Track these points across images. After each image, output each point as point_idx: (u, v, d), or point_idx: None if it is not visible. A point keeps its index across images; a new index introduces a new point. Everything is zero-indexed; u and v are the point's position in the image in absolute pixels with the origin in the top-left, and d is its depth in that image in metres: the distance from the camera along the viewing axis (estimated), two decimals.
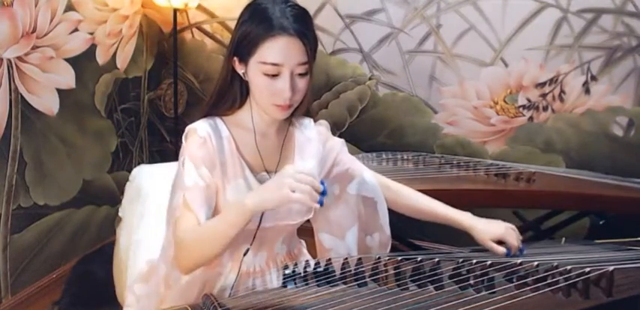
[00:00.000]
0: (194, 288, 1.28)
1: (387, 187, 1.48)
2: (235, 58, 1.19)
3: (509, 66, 2.49)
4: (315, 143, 1.35)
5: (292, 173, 1.05)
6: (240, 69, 1.20)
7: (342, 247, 1.43)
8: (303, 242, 1.50)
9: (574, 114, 2.46)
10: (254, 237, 1.26)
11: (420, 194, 1.48)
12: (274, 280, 1.32)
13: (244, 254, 1.28)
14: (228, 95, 1.24)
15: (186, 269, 1.19)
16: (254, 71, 1.16)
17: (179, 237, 1.15)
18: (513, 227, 1.40)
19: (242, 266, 1.28)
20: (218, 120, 1.25)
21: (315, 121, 1.37)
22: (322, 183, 1.07)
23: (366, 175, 1.45)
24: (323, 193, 1.05)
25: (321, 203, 1.05)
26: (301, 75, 1.17)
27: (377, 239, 1.49)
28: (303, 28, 1.15)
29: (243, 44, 1.16)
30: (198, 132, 1.21)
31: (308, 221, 1.42)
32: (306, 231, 1.50)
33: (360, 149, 2.74)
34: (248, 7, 1.19)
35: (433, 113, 2.65)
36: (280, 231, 1.32)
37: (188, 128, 1.23)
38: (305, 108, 1.28)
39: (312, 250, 1.50)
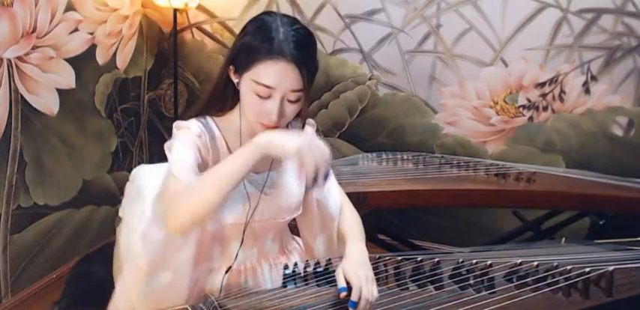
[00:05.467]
0: (182, 285, 1.27)
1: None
2: (232, 67, 1.19)
3: (509, 66, 2.49)
4: None
5: (309, 142, 1.06)
6: (234, 78, 1.20)
7: (315, 250, 1.42)
8: (298, 239, 1.51)
9: (574, 114, 2.46)
10: (242, 236, 1.27)
11: (350, 222, 1.39)
12: (266, 276, 1.33)
13: (236, 257, 1.29)
14: (219, 98, 1.25)
15: (181, 224, 1.13)
16: (246, 87, 1.16)
17: (175, 188, 1.12)
18: (367, 279, 1.16)
19: (233, 263, 1.29)
20: (209, 119, 1.26)
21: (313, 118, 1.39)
22: None
23: (331, 187, 1.40)
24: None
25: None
26: (292, 101, 1.16)
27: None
28: (303, 55, 1.13)
29: (241, 57, 1.16)
30: (192, 129, 1.21)
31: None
32: None
33: (360, 149, 2.74)
34: (255, 19, 1.19)
35: (433, 113, 2.65)
36: (269, 228, 1.33)
37: (181, 123, 1.22)
38: (304, 120, 1.29)
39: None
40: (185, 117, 1.26)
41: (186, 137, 1.20)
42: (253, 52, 1.13)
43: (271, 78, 1.12)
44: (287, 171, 1.33)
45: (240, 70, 1.17)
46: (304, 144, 1.05)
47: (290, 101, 1.15)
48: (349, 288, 1.09)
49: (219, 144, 1.24)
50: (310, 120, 1.41)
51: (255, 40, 1.14)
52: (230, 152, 1.25)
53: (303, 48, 1.14)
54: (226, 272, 1.28)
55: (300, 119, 1.31)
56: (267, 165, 1.30)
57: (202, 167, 1.19)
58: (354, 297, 1.08)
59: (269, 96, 1.14)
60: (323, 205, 1.38)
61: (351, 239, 1.28)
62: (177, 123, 1.23)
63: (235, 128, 1.26)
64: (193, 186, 1.10)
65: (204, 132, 1.21)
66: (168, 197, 1.14)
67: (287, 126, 1.32)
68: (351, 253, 1.21)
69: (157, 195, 1.25)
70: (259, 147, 1.09)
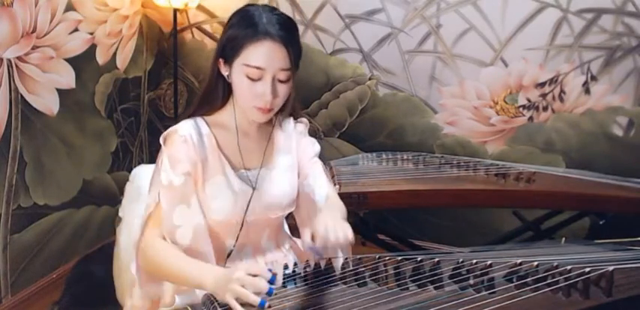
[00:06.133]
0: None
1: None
2: (221, 60, 1.25)
3: (509, 66, 2.49)
4: (294, 139, 1.39)
5: (239, 277, 1.03)
6: (224, 71, 1.25)
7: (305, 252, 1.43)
8: (297, 239, 1.51)
9: (574, 114, 2.46)
10: (238, 234, 1.28)
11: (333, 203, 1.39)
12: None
13: (227, 256, 1.30)
14: (211, 96, 1.29)
15: (142, 268, 1.24)
16: (237, 73, 1.21)
17: (143, 246, 1.21)
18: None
19: (227, 262, 1.31)
20: (199, 119, 1.29)
21: (295, 119, 1.42)
22: (272, 281, 1.03)
23: (320, 187, 1.38)
24: (269, 293, 1.02)
25: (261, 304, 1.00)
26: (282, 81, 1.21)
27: None
28: (289, 35, 1.20)
29: (229, 46, 1.21)
30: (179, 132, 1.25)
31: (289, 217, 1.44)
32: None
33: (360, 149, 2.74)
34: (237, 12, 1.25)
35: (433, 113, 2.65)
36: (262, 225, 1.34)
37: (169, 130, 1.27)
38: (288, 111, 1.33)
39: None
40: (179, 119, 1.30)
41: (172, 151, 1.23)
42: (240, 38, 1.19)
43: (261, 59, 1.18)
44: (278, 168, 1.35)
45: (230, 59, 1.22)
46: (233, 288, 1.02)
47: (280, 81, 1.21)
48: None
49: (207, 140, 1.26)
50: (303, 120, 1.43)
51: (240, 28, 1.20)
52: (219, 147, 1.27)
53: (287, 29, 1.20)
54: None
55: (287, 108, 1.31)
56: (259, 162, 1.32)
57: (191, 166, 1.23)
58: (319, 244, 1.07)
59: (260, 78, 1.19)
60: (310, 198, 1.38)
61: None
62: (164, 134, 1.27)
63: (227, 124, 1.29)
64: (161, 265, 1.18)
65: (191, 134, 1.24)
66: (140, 246, 1.22)
67: (275, 116, 1.32)
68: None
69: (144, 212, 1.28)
70: (207, 290, 1.10)
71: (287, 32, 1.20)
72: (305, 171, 1.40)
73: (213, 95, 1.28)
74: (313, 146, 1.43)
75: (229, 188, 1.27)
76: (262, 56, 1.17)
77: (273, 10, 1.23)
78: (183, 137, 1.23)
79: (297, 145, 1.40)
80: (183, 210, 1.22)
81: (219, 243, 1.30)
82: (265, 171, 1.33)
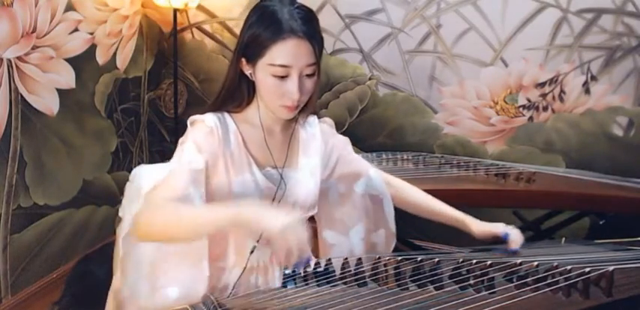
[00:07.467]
0: (199, 282, 1.27)
1: (388, 183, 1.50)
2: (243, 59, 1.21)
3: (509, 66, 2.49)
4: (319, 140, 1.37)
5: (294, 228, 1.02)
6: (247, 70, 1.22)
7: (346, 244, 1.44)
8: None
9: (574, 114, 2.46)
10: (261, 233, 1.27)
11: (419, 191, 1.53)
12: (276, 276, 1.32)
13: (251, 252, 1.28)
14: (236, 94, 1.26)
15: (140, 233, 1.17)
16: (262, 72, 1.18)
17: (155, 202, 1.15)
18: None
19: (247, 262, 1.28)
20: (226, 114, 1.27)
21: (319, 118, 1.40)
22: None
23: (372, 173, 1.48)
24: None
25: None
26: (309, 75, 1.19)
27: (382, 236, 1.52)
28: (312, 30, 1.17)
29: (251, 46, 1.18)
30: (206, 122, 1.23)
31: (310, 220, 1.42)
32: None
33: (360, 149, 2.73)
34: (255, 8, 1.21)
35: (433, 113, 2.65)
36: None
37: (195, 117, 1.24)
38: (312, 108, 1.31)
39: (315, 250, 1.50)
40: (202, 111, 1.28)
41: (198, 137, 1.21)
42: (263, 38, 1.16)
43: (287, 58, 1.15)
44: (303, 167, 1.33)
45: (254, 59, 1.18)
46: (289, 230, 1.00)
47: (307, 75, 1.18)
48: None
49: (233, 137, 1.25)
50: (327, 119, 1.42)
51: (262, 27, 1.17)
52: (245, 145, 1.26)
53: (309, 23, 1.17)
54: (242, 271, 1.28)
55: (311, 104, 1.29)
56: (284, 160, 1.31)
57: (211, 161, 1.21)
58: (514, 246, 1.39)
59: (287, 76, 1.16)
60: (366, 192, 1.46)
61: (443, 205, 1.50)
62: (192, 118, 1.25)
63: (253, 122, 1.28)
64: (168, 218, 1.11)
65: (217, 127, 1.23)
66: (149, 206, 1.16)
67: (299, 113, 1.29)
68: (469, 218, 1.48)
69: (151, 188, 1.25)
70: (239, 218, 1.05)
71: (309, 26, 1.17)
72: (358, 171, 1.45)
73: (238, 94, 1.26)
74: (347, 144, 1.46)
75: (256, 186, 1.25)
76: (288, 55, 1.15)
77: (292, 2, 1.19)
78: (209, 128, 1.22)
79: (325, 147, 1.38)
80: (193, 192, 1.18)
81: (240, 241, 1.29)
82: (290, 170, 1.31)
